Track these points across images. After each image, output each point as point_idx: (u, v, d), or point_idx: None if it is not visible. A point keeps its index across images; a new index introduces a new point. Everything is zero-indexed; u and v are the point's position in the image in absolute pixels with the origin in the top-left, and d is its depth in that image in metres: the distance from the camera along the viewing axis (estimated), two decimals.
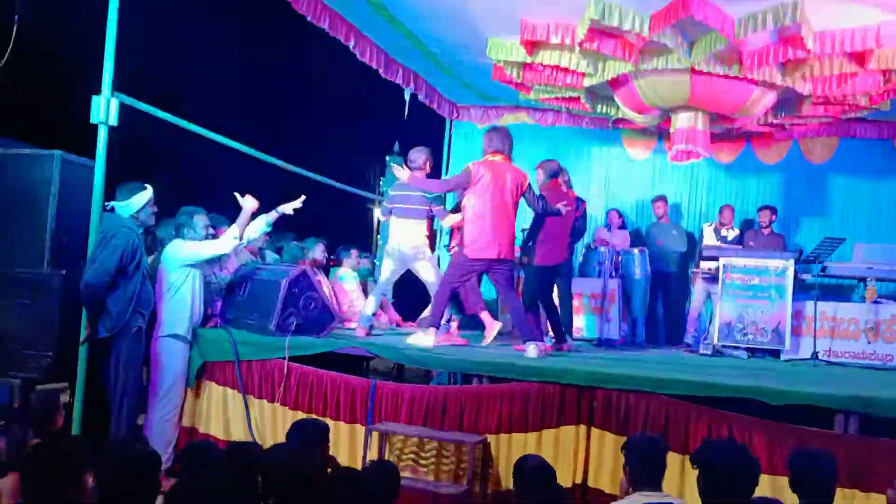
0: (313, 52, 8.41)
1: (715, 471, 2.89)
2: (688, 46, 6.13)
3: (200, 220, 5.33)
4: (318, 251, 7.19)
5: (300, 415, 4.91)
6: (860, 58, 6.06)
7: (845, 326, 7.59)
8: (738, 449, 2.97)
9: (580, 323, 8.19)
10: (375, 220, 11.93)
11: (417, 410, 4.85)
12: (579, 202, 7.83)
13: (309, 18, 6.38)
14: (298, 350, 5.14)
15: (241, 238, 5.33)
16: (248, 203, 5.34)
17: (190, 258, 5.16)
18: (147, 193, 4.96)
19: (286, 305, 5.25)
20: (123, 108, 5.04)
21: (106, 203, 4.91)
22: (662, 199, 8.99)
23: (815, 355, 7.25)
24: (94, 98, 4.93)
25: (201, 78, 9.48)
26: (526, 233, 6.83)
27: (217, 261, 5.55)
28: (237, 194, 5.39)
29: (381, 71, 7.77)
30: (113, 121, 4.98)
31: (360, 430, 4.88)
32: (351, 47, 7.04)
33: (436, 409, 4.83)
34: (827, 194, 9.11)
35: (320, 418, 4.87)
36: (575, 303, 8.16)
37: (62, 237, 5.16)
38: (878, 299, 7.54)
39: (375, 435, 4.75)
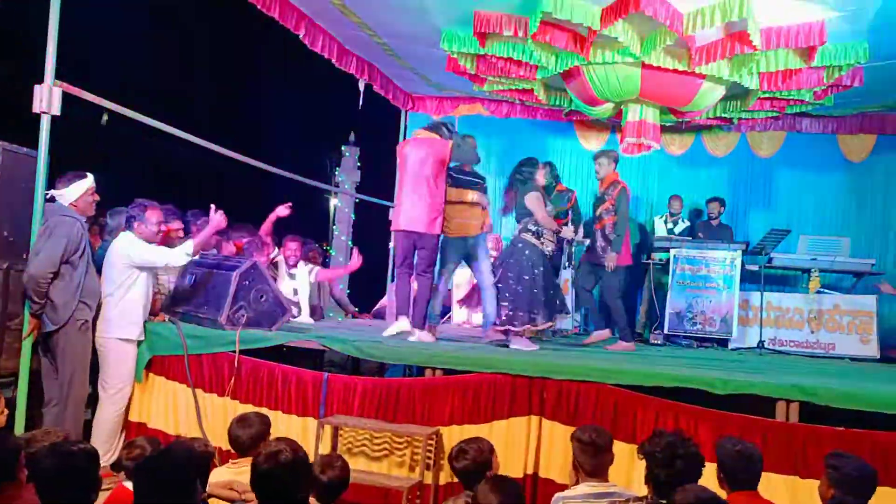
0: (265, 42, 8.30)
1: (660, 462, 2.95)
2: (638, 40, 6.20)
3: (153, 214, 5.20)
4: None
5: (251, 408, 4.86)
6: (805, 54, 6.19)
7: (790, 316, 7.81)
8: (683, 441, 3.04)
9: None
10: (332, 211, 11.84)
11: (370, 403, 4.85)
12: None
13: (259, 7, 6.30)
14: (249, 343, 5.09)
15: (195, 254, 5.23)
16: (218, 219, 5.23)
17: (137, 261, 5.04)
18: (87, 182, 4.84)
19: (237, 298, 5.19)
20: (67, 97, 4.91)
21: (46, 192, 4.78)
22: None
23: (761, 344, 7.44)
24: (37, 87, 4.79)
25: (150, 69, 9.31)
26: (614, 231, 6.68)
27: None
28: (213, 206, 5.27)
29: (334, 61, 7.70)
30: (56, 110, 4.84)
31: (313, 423, 4.86)
32: (301, 36, 6.96)
33: (389, 401, 4.83)
34: (773, 187, 9.32)
35: (271, 411, 4.86)
36: None
37: (4, 229, 5.02)
38: (821, 290, 7.76)
39: (327, 428, 4.74)
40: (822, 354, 7.47)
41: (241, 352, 5.08)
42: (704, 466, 3.15)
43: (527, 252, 5.98)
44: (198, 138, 6.78)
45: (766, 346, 7.47)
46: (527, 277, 5.89)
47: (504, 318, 5.86)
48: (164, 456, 2.91)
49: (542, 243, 6.06)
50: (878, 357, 7.31)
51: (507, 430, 4.66)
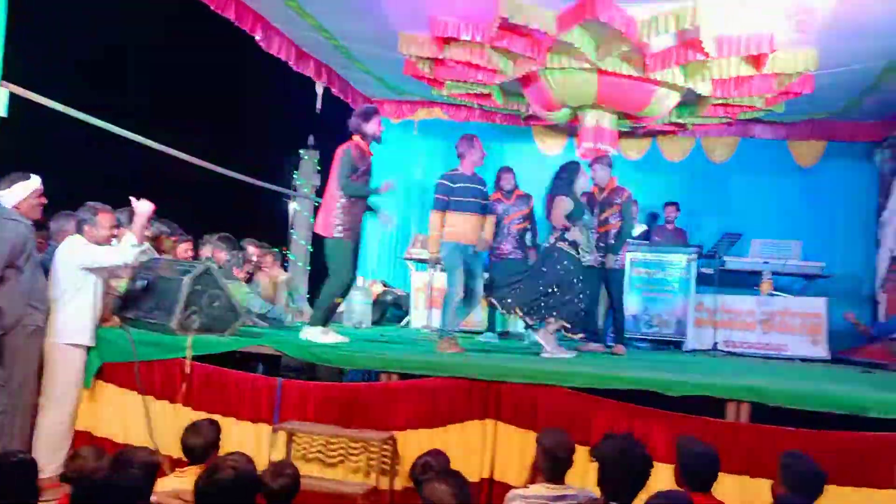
0: (221, 44, 8.20)
1: (611, 465, 2.97)
2: (594, 47, 6.26)
3: (105, 218, 5.06)
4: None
5: (204, 415, 4.77)
6: (756, 61, 6.32)
7: (743, 318, 7.94)
8: (634, 443, 3.06)
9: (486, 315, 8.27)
10: (291, 215, 11.71)
11: (325, 408, 4.79)
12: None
13: (213, 8, 6.23)
14: (201, 349, 5.00)
15: (140, 243, 5.10)
16: (143, 207, 5.06)
17: (87, 263, 4.91)
18: (32, 184, 4.70)
19: (189, 303, 5.10)
20: (14, 98, 4.80)
21: None
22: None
23: (715, 346, 7.57)
24: None
25: (102, 70, 9.14)
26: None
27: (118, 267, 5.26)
28: (133, 199, 5.14)
29: (291, 63, 7.66)
30: (2, 111, 4.73)
31: (267, 429, 4.78)
32: (258, 39, 6.91)
33: (344, 406, 4.78)
34: (727, 191, 9.51)
35: (225, 418, 4.79)
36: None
37: None
38: (773, 292, 7.92)
39: (281, 434, 4.67)
40: (774, 356, 7.61)
41: (196, 358, 5.00)
42: (653, 468, 3.16)
43: (564, 262, 5.85)
44: (154, 143, 6.72)
45: (719, 347, 7.60)
46: (558, 287, 5.78)
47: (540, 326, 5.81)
48: (108, 467, 2.85)
49: (580, 254, 5.95)
50: (828, 358, 7.47)
51: (463, 434, 4.64)
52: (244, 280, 6.74)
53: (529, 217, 7.29)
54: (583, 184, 6.08)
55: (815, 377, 5.67)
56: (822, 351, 7.50)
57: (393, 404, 4.74)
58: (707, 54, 5.95)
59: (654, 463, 4.22)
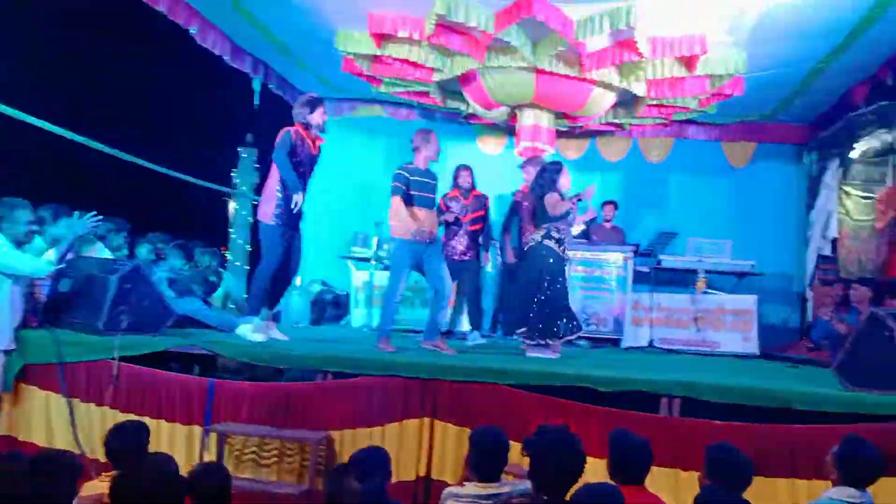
0: (154, 38, 8.01)
1: (543, 458, 2.98)
2: (532, 46, 6.30)
3: (23, 215, 4.88)
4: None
5: (133, 417, 4.63)
6: (688, 63, 6.44)
7: (678, 316, 8.06)
8: (566, 437, 3.07)
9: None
10: (231, 213, 11.49)
11: (259, 409, 4.71)
12: None
13: (145, 1, 6.07)
14: (130, 350, 4.85)
15: (59, 263, 4.95)
16: (80, 227, 4.98)
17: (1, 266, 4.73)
18: None
19: (117, 302, 4.94)
20: None
21: None
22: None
23: (651, 343, 7.69)
24: None
25: (30, 64, 8.82)
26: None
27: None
28: (77, 213, 5.00)
29: (227, 59, 7.51)
30: None
31: (199, 431, 4.69)
32: (192, 33, 6.76)
33: (278, 406, 4.71)
34: (663, 191, 9.67)
35: (154, 420, 4.67)
36: (427, 295, 8.25)
37: None
38: (707, 290, 8.08)
39: (213, 436, 4.58)
40: (707, 352, 7.75)
41: (127, 358, 4.85)
42: (586, 462, 3.18)
43: (550, 260, 5.84)
44: (87, 139, 6.52)
45: (656, 344, 7.72)
46: (550, 286, 5.80)
47: (527, 328, 5.83)
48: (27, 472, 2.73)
49: (564, 251, 5.96)
50: (759, 354, 7.65)
51: (399, 433, 4.63)
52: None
53: (485, 218, 7.29)
54: (565, 182, 6.07)
55: (744, 372, 5.80)
56: (753, 347, 7.66)
57: (329, 404, 4.70)
58: (641, 55, 6.05)
59: (589, 458, 4.30)
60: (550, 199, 5.85)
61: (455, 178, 7.29)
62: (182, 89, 11.05)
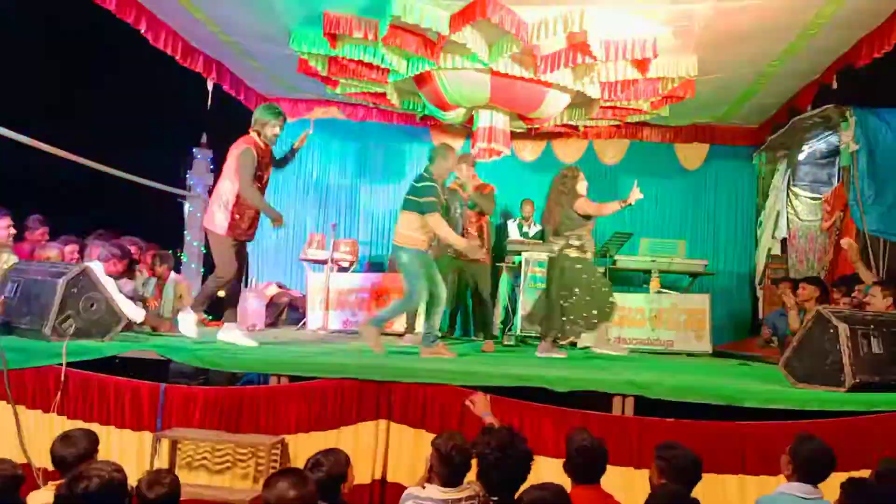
0: (105, 39, 7.86)
1: (489, 459, 2.98)
2: (487, 47, 6.32)
3: None
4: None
5: (81, 424, 4.53)
6: (641, 66, 6.52)
7: (633, 315, 8.16)
8: (513, 437, 3.08)
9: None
10: (186, 215, 11.33)
11: (212, 414, 4.64)
12: None
13: None
14: (78, 355, 4.74)
15: None
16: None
17: None
18: None
19: (64, 307, 4.83)
20: None
21: None
22: None
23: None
24: None
25: None
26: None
27: None
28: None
29: (178, 58, 7.39)
30: None
31: (149, 437, 4.59)
32: (143, 32, 6.64)
33: (231, 411, 4.64)
34: (618, 192, 9.72)
35: (104, 427, 4.57)
36: (385, 298, 8.23)
37: None
38: (661, 290, 8.19)
39: (165, 442, 4.50)
40: (662, 350, 7.86)
41: (76, 364, 4.74)
42: (534, 461, 3.19)
43: (577, 266, 6.05)
44: (39, 143, 6.37)
45: (612, 344, 7.79)
46: (580, 289, 6.03)
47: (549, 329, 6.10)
48: None
49: (587, 255, 6.18)
50: (711, 352, 7.79)
51: (354, 436, 4.59)
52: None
53: None
54: (583, 188, 6.21)
55: (697, 370, 5.90)
56: (705, 345, 7.79)
57: (283, 407, 4.64)
58: (595, 57, 6.11)
59: (544, 458, 4.38)
60: (585, 205, 6.11)
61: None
62: (133, 89, 10.86)
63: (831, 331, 4.49)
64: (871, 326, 4.52)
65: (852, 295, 6.52)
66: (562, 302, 6.05)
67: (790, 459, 3.47)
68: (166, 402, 4.66)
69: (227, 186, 5.38)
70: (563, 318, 6.07)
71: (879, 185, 7.00)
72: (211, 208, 5.47)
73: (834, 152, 7.96)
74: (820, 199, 8.31)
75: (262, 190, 5.51)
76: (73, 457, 3.50)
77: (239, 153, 5.34)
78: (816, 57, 6.78)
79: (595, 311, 6.07)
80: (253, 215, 5.50)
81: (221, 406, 4.65)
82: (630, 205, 6.13)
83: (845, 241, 6.75)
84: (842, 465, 3.88)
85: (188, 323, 5.52)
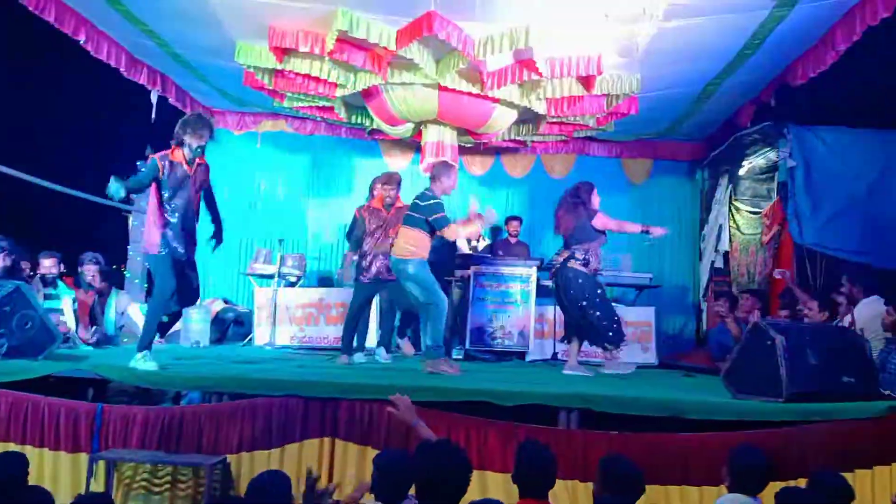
0: (43, 50, 7.66)
1: (426, 474, 2.97)
2: (434, 63, 6.35)
3: None
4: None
5: (12, 446, 4.39)
6: (586, 82, 6.62)
7: None
8: (447, 451, 3.06)
9: (338, 332, 8.16)
10: (130, 230, 11.07)
11: (151, 434, 4.53)
12: None
13: (31, 9, 5.81)
14: (11, 375, 4.60)
15: None
16: None
17: None
18: None
19: None
20: None
21: None
22: None
23: (554, 355, 7.81)
24: None
25: None
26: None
27: None
28: None
29: (122, 70, 7.26)
30: None
31: (85, 459, 4.46)
32: (83, 43, 6.51)
33: (171, 430, 4.54)
34: None
35: (37, 449, 4.43)
36: (332, 312, 8.17)
37: None
38: None
39: (101, 464, 4.38)
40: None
41: (8, 385, 4.59)
42: (472, 472, 3.17)
43: (580, 280, 6.11)
44: None
45: (559, 356, 7.86)
46: (584, 304, 6.09)
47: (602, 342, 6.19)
48: None
49: (593, 271, 6.22)
50: (657, 363, 7.90)
51: (299, 454, 4.53)
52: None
53: None
54: (597, 202, 6.39)
55: (641, 383, 5.96)
56: (651, 357, 7.91)
57: (225, 426, 4.56)
58: (541, 74, 6.18)
59: (490, 473, 4.38)
60: (606, 220, 6.29)
61: (373, 190, 7.23)
62: (75, 102, 10.61)
63: (769, 343, 4.59)
64: (807, 338, 4.64)
65: (789, 308, 6.71)
66: (583, 314, 6.17)
67: (727, 471, 3.52)
68: (103, 423, 4.54)
69: (155, 205, 5.20)
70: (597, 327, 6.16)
71: (815, 200, 7.21)
72: (146, 229, 5.30)
73: (773, 168, 8.16)
74: (760, 213, 8.51)
75: (189, 207, 5.30)
76: (2, 481, 3.38)
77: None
78: (754, 76, 6.97)
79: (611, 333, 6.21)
80: (185, 231, 5.27)
81: (161, 425, 4.54)
82: (650, 234, 6.39)
83: (778, 272, 6.96)
84: (780, 475, 3.99)
85: (139, 362, 5.13)
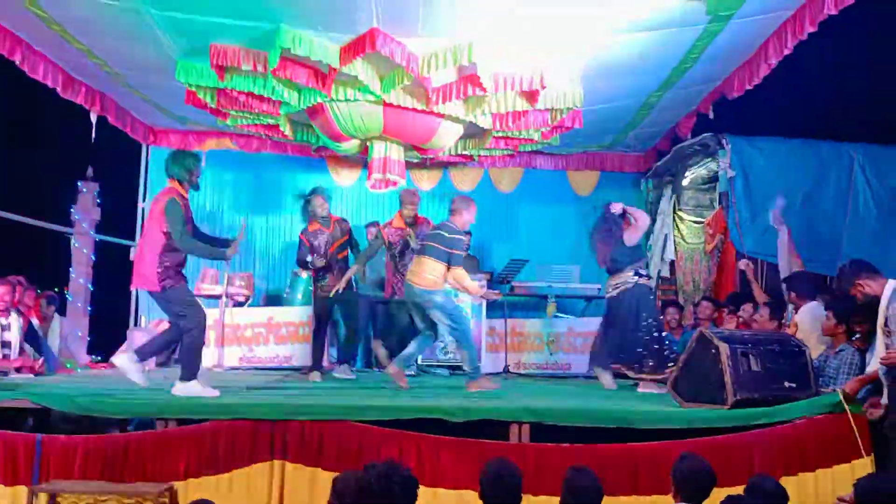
0: None
1: (376, 493, 2.95)
2: (378, 79, 6.34)
3: None
4: None
5: None
6: (530, 97, 6.69)
7: (531, 340, 8.31)
8: (396, 469, 3.05)
9: (288, 351, 8.09)
10: (72, 252, 10.79)
11: (94, 463, 4.40)
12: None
13: None
14: None
15: None
16: None
17: None
18: None
19: None
20: None
21: None
22: (374, 224, 9.20)
23: (506, 368, 7.85)
24: None
25: None
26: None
27: None
28: None
29: (59, 90, 7.10)
30: None
31: (24, 492, 4.30)
32: (19, 62, 6.35)
33: (115, 459, 4.42)
34: (514, 219, 9.97)
35: None
36: (282, 331, 8.08)
37: None
38: (558, 314, 8.36)
39: (42, 496, 4.22)
40: (560, 374, 8.02)
41: None
42: (419, 488, 3.15)
43: (651, 297, 6.21)
44: None
45: (510, 370, 7.90)
46: (652, 321, 6.10)
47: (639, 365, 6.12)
48: None
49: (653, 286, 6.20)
50: None
51: (248, 479, 4.46)
52: None
53: (350, 241, 7.20)
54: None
55: (592, 393, 6.03)
56: None
57: (171, 453, 4.46)
58: (485, 89, 6.22)
59: (444, 490, 4.37)
60: (629, 236, 6.37)
61: (309, 206, 7.20)
62: (11, 122, 10.35)
63: (713, 351, 4.69)
64: (750, 345, 4.75)
65: (738, 314, 6.84)
66: (641, 332, 6.13)
67: (672, 480, 3.57)
68: (43, 453, 4.40)
69: (157, 241, 5.11)
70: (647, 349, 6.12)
71: (755, 209, 7.41)
72: (144, 266, 5.14)
73: (714, 178, 8.35)
74: (703, 222, 8.71)
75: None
76: None
77: (160, 205, 5.12)
78: (694, 88, 7.13)
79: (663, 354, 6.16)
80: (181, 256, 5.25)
81: (104, 454, 4.42)
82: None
83: (743, 263, 7.07)
84: (725, 482, 4.05)
85: (191, 390, 5.11)
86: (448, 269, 5.91)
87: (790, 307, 6.21)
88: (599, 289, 8.66)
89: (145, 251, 5.17)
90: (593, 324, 8.24)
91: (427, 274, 5.92)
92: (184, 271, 5.32)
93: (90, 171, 10.75)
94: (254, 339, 8.05)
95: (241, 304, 8.47)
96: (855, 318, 4.96)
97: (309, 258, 6.85)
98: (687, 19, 5.65)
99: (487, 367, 7.95)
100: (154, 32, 6.06)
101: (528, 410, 4.65)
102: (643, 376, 6.15)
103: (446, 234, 5.97)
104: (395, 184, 7.44)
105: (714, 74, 6.78)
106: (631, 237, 6.38)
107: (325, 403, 4.70)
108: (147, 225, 5.31)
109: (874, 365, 4.46)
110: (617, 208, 6.51)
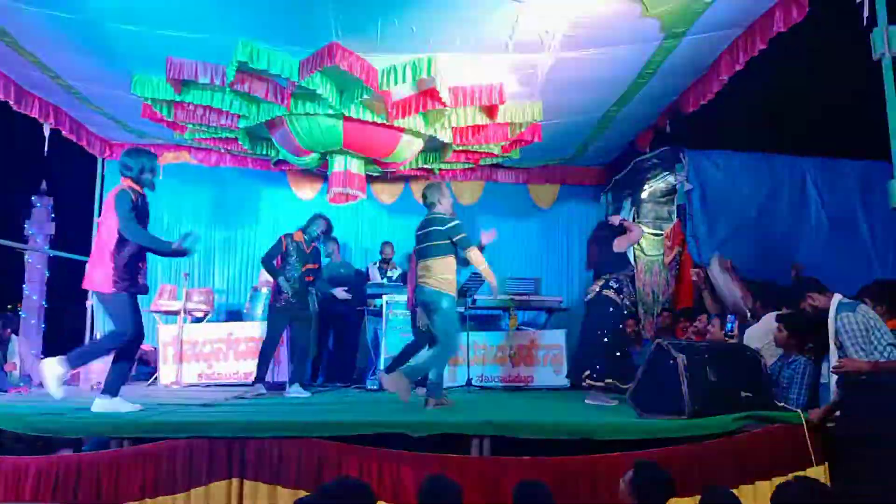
0: None
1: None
2: (338, 93, 6.34)
3: None
4: None
5: None
6: (489, 111, 6.74)
7: (494, 353, 8.31)
8: (355, 484, 3.03)
9: (248, 367, 7.97)
10: (26, 268, 10.56)
11: (45, 485, 4.28)
12: None
13: None
14: None
15: None
16: None
17: None
18: None
19: None
20: None
21: None
22: (332, 239, 9.16)
23: (469, 382, 7.83)
24: None
25: None
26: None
27: None
28: None
29: (11, 103, 6.96)
30: None
31: None
32: None
33: (68, 480, 4.30)
34: (475, 232, 9.92)
35: None
36: (241, 347, 7.98)
37: None
38: (520, 327, 8.39)
39: None
40: (523, 387, 8.03)
41: None
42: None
43: (611, 309, 6.01)
44: None
45: (473, 383, 7.89)
46: (604, 332, 6.00)
47: (588, 373, 6.02)
48: None
49: (622, 299, 6.10)
50: (569, 385, 8.01)
51: (206, 498, 4.37)
52: None
53: (318, 272, 7.13)
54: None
55: (553, 406, 6.05)
56: (563, 380, 8.02)
57: (126, 473, 4.34)
58: (444, 104, 6.25)
59: None
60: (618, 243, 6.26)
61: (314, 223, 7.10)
62: None
63: (671, 362, 4.74)
64: (707, 356, 4.81)
65: (694, 323, 6.94)
66: (600, 343, 6.08)
67: (629, 490, 3.59)
68: None
69: (109, 238, 4.97)
70: (604, 359, 6.05)
71: (712, 221, 7.52)
72: (96, 266, 5.00)
73: (672, 191, 8.48)
74: (661, 234, 8.82)
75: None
76: None
77: (112, 197, 5.00)
78: (650, 103, 7.25)
79: (620, 367, 6.10)
80: (139, 264, 5.11)
81: (56, 476, 4.30)
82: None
83: (693, 272, 7.16)
84: (683, 492, 4.09)
85: (111, 405, 5.08)
86: (456, 259, 5.80)
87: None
88: (561, 301, 8.74)
89: (98, 250, 5.05)
90: (555, 336, 8.33)
91: (439, 274, 5.72)
92: (143, 278, 5.17)
93: (44, 186, 10.56)
94: (213, 356, 7.93)
95: (200, 320, 8.35)
96: (806, 330, 5.07)
97: (282, 279, 6.74)
98: (643, 36, 5.75)
99: (450, 380, 7.94)
100: (108, 45, 5.98)
101: (488, 424, 4.64)
102: (595, 384, 6.11)
103: (441, 227, 5.77)
104: (355, 197, 7.43)
105: (670, 90, 6.90)
106: (619, 244, 6.37)
107: (284, 420, 4.64)
108: (100, 221, 5.16)
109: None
110: (615, 221, 6.54)
